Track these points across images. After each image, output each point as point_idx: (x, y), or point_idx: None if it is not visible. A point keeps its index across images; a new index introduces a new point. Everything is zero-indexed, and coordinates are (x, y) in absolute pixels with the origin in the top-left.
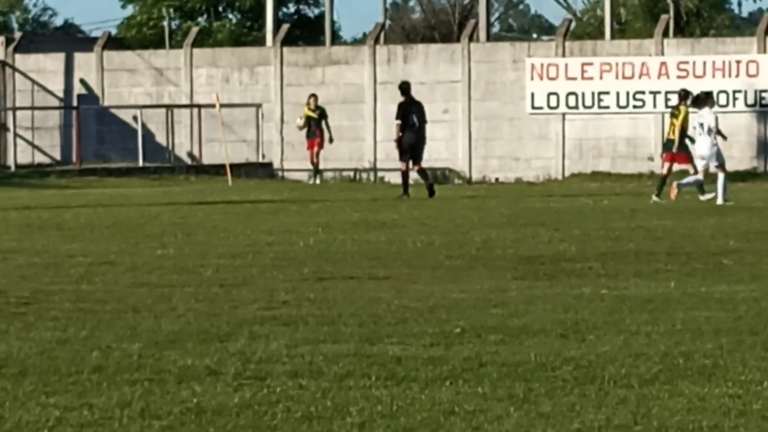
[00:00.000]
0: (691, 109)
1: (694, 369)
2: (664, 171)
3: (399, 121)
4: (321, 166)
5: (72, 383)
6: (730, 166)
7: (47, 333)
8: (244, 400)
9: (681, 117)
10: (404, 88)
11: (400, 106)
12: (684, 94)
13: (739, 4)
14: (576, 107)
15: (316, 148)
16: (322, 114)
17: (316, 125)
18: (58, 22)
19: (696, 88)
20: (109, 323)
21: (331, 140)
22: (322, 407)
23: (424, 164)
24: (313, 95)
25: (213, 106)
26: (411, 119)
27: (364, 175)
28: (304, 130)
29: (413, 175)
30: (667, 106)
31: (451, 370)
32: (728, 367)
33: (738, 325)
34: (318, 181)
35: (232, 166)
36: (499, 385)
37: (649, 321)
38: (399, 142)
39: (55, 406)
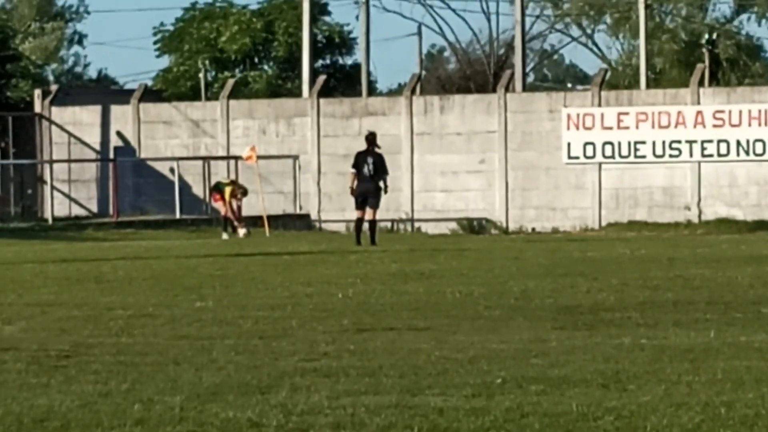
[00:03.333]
0: None
1: (736, 419)
2: None
3: (353, 170)
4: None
5: None
6: (767, 216)
7: (89, 386)
8: None
9: None
10: (369, 138)
11: (357, 155)
12: None
13: None
14: (612, 157)
15: (236, 203)
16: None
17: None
18: (92, 73)
19: (732, 137)
20: (150, 376)
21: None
22: None
23: (459, 213)
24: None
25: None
26: (364, 169)
27: (401, 226)
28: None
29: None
30: (703, 155)
31: (493, 420)
32: None
33: None
34: (226, 237)
35: (269, 217)
36: None
37: (690, 371)
38: (352, 191)
39: None
